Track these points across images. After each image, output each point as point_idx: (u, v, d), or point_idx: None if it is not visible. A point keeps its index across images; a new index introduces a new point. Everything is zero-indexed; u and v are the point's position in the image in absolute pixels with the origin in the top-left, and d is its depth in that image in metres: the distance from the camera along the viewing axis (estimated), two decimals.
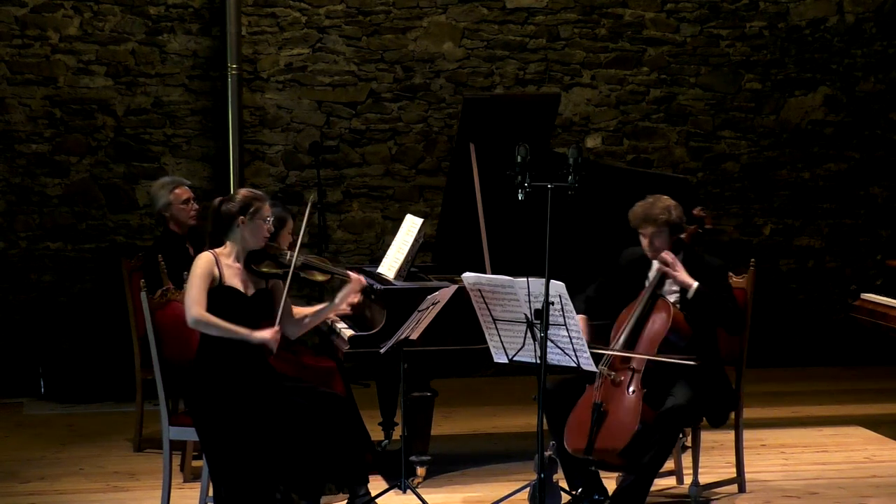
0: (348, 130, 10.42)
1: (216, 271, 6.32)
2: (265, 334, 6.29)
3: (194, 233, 8.51)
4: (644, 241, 6.76)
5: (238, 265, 6.38)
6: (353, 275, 6.67)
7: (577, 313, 6.44)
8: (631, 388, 6.52)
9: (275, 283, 6.49)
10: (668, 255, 6.69)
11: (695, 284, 6.66)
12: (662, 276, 6.76)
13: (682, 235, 6.77)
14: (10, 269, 10.08)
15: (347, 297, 6.66)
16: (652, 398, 6.52)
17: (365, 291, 6.99)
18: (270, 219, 6.43)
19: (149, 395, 7.87)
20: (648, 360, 6.54)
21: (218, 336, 6.27)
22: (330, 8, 10.33)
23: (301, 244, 6.64)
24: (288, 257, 6.45)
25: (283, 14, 10.29)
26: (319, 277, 6.58)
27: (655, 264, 6.79)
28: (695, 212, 6.86)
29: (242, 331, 6.28)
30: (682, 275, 6.67)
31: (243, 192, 6.48)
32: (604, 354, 6.60)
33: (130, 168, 10.17)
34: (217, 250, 6.39)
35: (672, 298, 6.74)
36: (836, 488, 7.29)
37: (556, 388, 6.72)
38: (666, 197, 6.79)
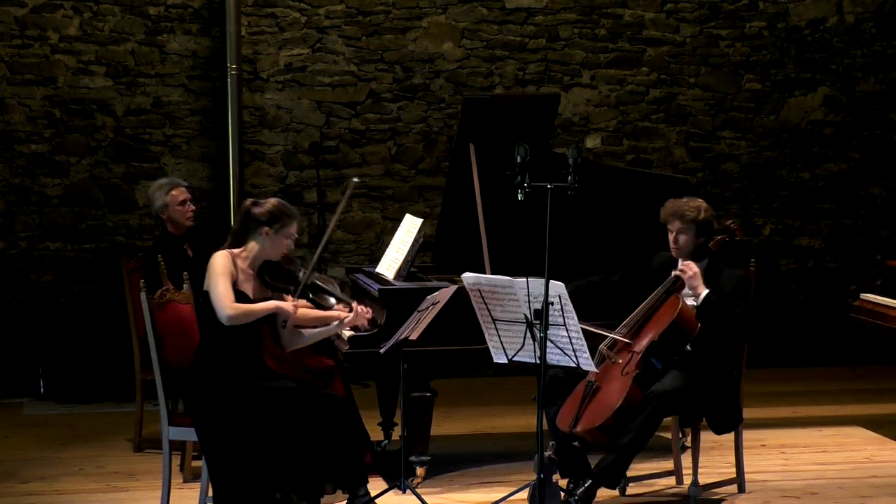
0: (348, 130, 10.42)
1: (234, 271, 6.29)
2: (286, 305, 6.29)
3: (192, 234, 8.50)
4: (670, 237, 6.84)
5: (251, 272, 6.35)
6: (357, 307, 6.53)
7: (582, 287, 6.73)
8: (624, 370, 6.59)
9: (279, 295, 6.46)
10: (690, 267, 6.74)
11: (704, 292, 6.69)
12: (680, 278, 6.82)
13: (710, 244, 6.80)
14: (10, 269, 10.08)
15: (344, 327, 6.61)
16: (643, 380, 6.57)
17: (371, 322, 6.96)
18: (295, 236, 6.40)
19: (148, 396, 7.88)
20: (639, 364, 6.60)
21: (218, 338, 6.26)
22: (330, 8, 10.34)
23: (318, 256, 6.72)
24: (301, 275, 6.43)
25: (282, 14, 10.29)
26: (327, 303, 6.55)
27: (679, 264, 6.83)
28: (727, 222, 6.91)
29: (270, 305, 6.27)
30: (696, 280, 6.71)
31: (274, 202, 6.39)
32: (607, 336, 6.71)
33: (130, 168, 10.17)
34: (235, 251, 6.34)
35: (690, 302, 6.77)
36: (836, 488, 7.29)
37: (562, 375, 6.75)
38: (701, 200, 6.87)
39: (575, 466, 6.74)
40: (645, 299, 6.81)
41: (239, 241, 6.36)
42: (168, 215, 8.40)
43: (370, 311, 6.63)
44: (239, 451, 6.15)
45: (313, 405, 6.23)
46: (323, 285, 6.57)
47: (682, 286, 6.81)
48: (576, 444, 6.67)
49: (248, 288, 6.33)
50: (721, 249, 6.86)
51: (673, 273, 6.82)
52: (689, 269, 6.75)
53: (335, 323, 6.51)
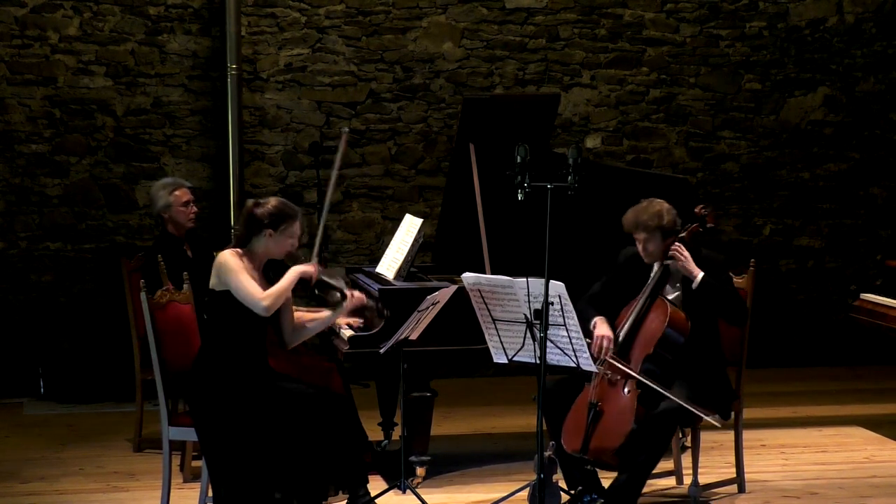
0: (348, 131, 10.41)
1: (245, 267, 6.26)
2: (307, 268, 6.30)
3: (192, 234, 8.50)
4: (639, 246, 6.78)
5: (257, 273, 6.33)
6: (356, 294, 6.65)
7: (591, 315, 6.66)
8: (626, 389, 6.55)
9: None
10: (681, 250, 6.70)
11: (700, 274, 6.67)
12: (662, 276, 6.77)
13: (683, 234, 6.77)
14: (10, 269, 10.08)
15: (342, 314, 6.62)
16: (646, 398, 6.54)
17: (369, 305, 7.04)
18: (299, 234, 6.36)
19: (149, 396, 7.88)
20: (640, 373, 6.57)
21: (223, 338, 6.24)
22: (330, 8, 10.34)
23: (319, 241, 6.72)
24: None
25: (282, 14, 10.29)
26: (336, 298, 6.54)
27: (655, 265, 6.80)
28: (696, 210, 6.87)
29: (293, 275, 6.23)
30: (690, 264, 6.69)
31: (275, 202, 6.33)
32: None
33: (130, 168, 10.18)
34: (241, 251, 6.31)
35: (671, 297, 6.75)
36: (836, 488, 7.29)
37: (554, 388, 6.73)
38: (659, 201, 6.78)
39: (581, 477, 6.72)
40: (628, 296, 6.78)
41: (243, 243, 6.34)
42: (170, 215, 8.39)
43: (363, 297, 6.70)
44: (239, 451, 6.15)
45: (313, 405, 6.23)
46: (330, 281, 6.56)
47: (665, 284, 6.78)
48: (588, 467, 6.66)
49: None
50: (695, 238, 6.81)
51: (656, 269, 6.75)
52: (681, 251, 6.72)
53: (331, 312, 6.53)
